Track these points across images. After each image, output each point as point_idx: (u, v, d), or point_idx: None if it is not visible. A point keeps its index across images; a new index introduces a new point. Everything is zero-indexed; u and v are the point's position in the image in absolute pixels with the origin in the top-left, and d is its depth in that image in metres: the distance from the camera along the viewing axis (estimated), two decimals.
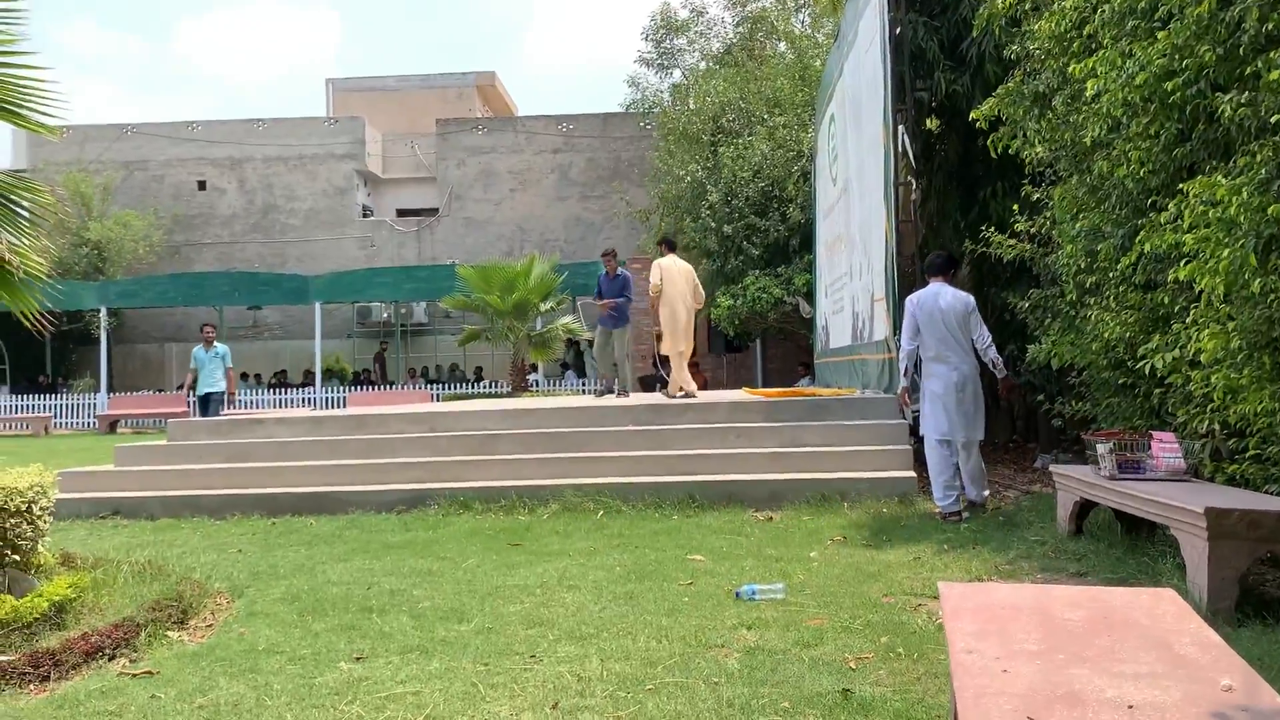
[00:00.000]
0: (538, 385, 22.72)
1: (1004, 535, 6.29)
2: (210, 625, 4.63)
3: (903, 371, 7.28)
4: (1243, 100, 4.51)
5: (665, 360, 10.97)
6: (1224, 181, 4.36)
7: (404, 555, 6.14)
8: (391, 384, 25.12)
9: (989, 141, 7.35)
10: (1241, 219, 4.24)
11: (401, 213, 29.82)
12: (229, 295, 24.95)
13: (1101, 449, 5.47)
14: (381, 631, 4.40)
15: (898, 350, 9.03)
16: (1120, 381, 6.52)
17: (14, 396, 24.64)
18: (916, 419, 8.25)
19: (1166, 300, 5.59)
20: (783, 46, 23.43)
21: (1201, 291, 4.67)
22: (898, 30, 9.50)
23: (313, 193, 28.82)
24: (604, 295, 11.94)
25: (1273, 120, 4.27)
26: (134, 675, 3.84)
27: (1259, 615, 4.11)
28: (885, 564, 5.52)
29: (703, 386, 20.11)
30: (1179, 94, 4.95)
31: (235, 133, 28.95)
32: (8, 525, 4.40)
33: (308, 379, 25.31)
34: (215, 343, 14.23)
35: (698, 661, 3.82)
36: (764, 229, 17.44)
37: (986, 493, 7.27)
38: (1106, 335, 6.07)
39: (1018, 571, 5.28)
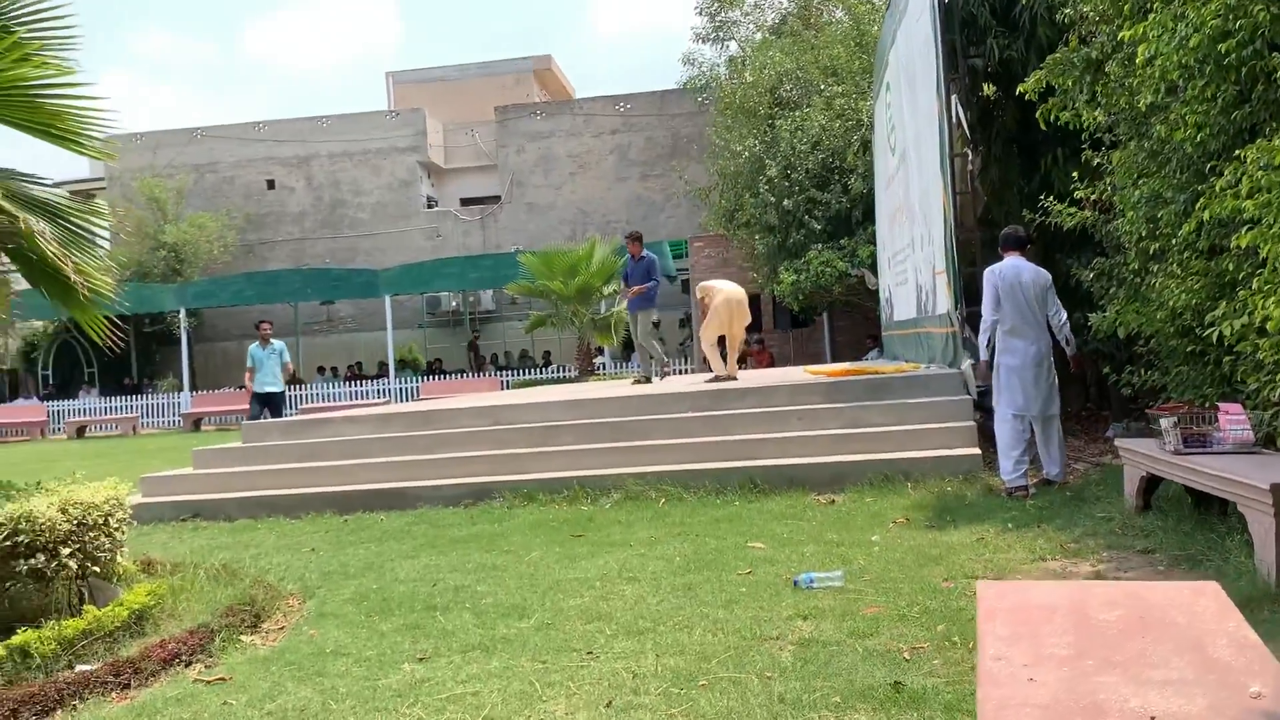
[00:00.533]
0: (604, 368, 22.85)
1: (1071, 511, 6.17)
2: (282, 628, 4.79)
3: (983, 345, 7.19)
4: None
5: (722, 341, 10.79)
6: None
7: (469, 550, 6.26)
8: (480, 370, 25.62)
9: (1038, 114, 7.19)
10: None
11: (465, 202, 30.18)
12: (301, 292, 25.58)
13: (1165, 423, 5.33)
14: (444, 630, 4.51)
15: (960, 324, 8.92)
16: (1189, 349, 6.33)
17: (103, 399, 25.60)
18: (982, 393, 8.13)
19: (1231, 266, 5.41)
20: (840, 13, 23.04)
21: (1266, 258, 4.52)
22: None
23: (378, 186, 29.32)
24: (630, 279, 11.77)
25: None
26: (208, 682, 4.00)
27: None
28: (948, 546, 5.46)
29: (769, 364, 20.17)
30: (1234, 55, 4.78)
31: (301, 131, 29.57)
32: (87, 539, 4.59)
33: (382, 370, 25.83)
34: (272, 339, 13.79)
35: (752, 655, 3.85)
36: (825, 201, 17.23)
37: (1063, 471, 7.16)
38: (1172, 303, 5.90)
39: (1083, 550, 5.19)
